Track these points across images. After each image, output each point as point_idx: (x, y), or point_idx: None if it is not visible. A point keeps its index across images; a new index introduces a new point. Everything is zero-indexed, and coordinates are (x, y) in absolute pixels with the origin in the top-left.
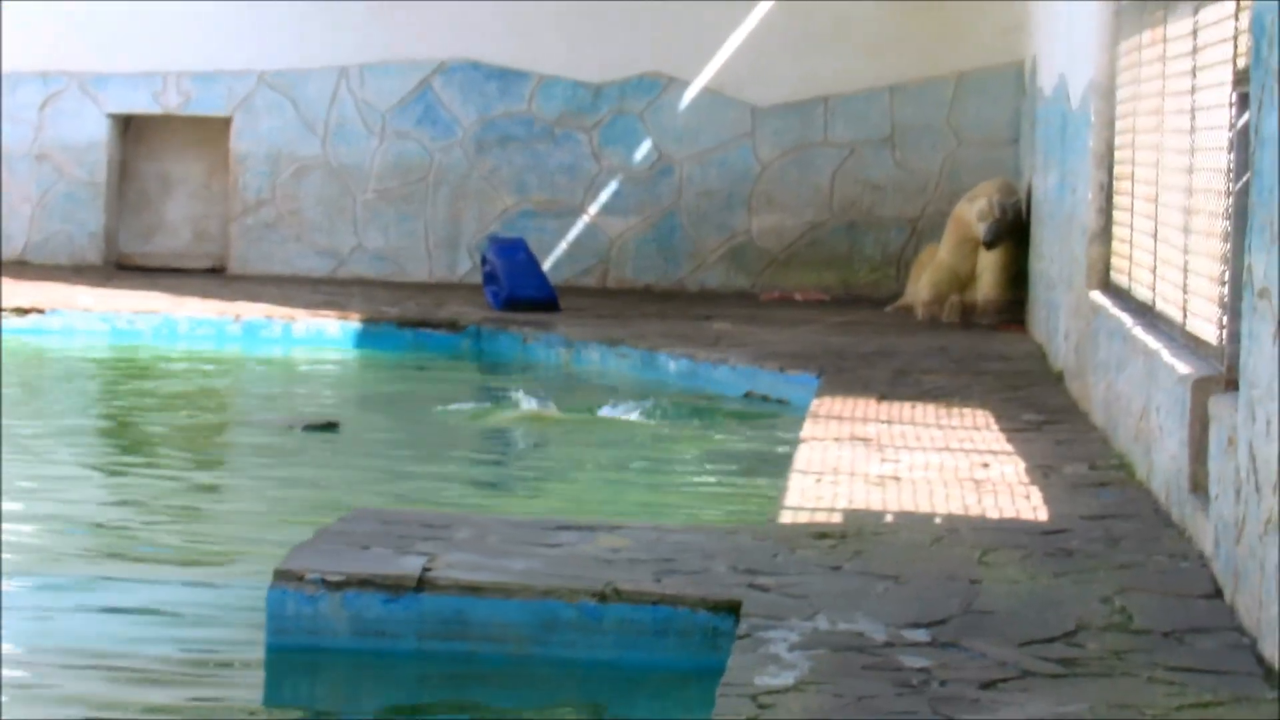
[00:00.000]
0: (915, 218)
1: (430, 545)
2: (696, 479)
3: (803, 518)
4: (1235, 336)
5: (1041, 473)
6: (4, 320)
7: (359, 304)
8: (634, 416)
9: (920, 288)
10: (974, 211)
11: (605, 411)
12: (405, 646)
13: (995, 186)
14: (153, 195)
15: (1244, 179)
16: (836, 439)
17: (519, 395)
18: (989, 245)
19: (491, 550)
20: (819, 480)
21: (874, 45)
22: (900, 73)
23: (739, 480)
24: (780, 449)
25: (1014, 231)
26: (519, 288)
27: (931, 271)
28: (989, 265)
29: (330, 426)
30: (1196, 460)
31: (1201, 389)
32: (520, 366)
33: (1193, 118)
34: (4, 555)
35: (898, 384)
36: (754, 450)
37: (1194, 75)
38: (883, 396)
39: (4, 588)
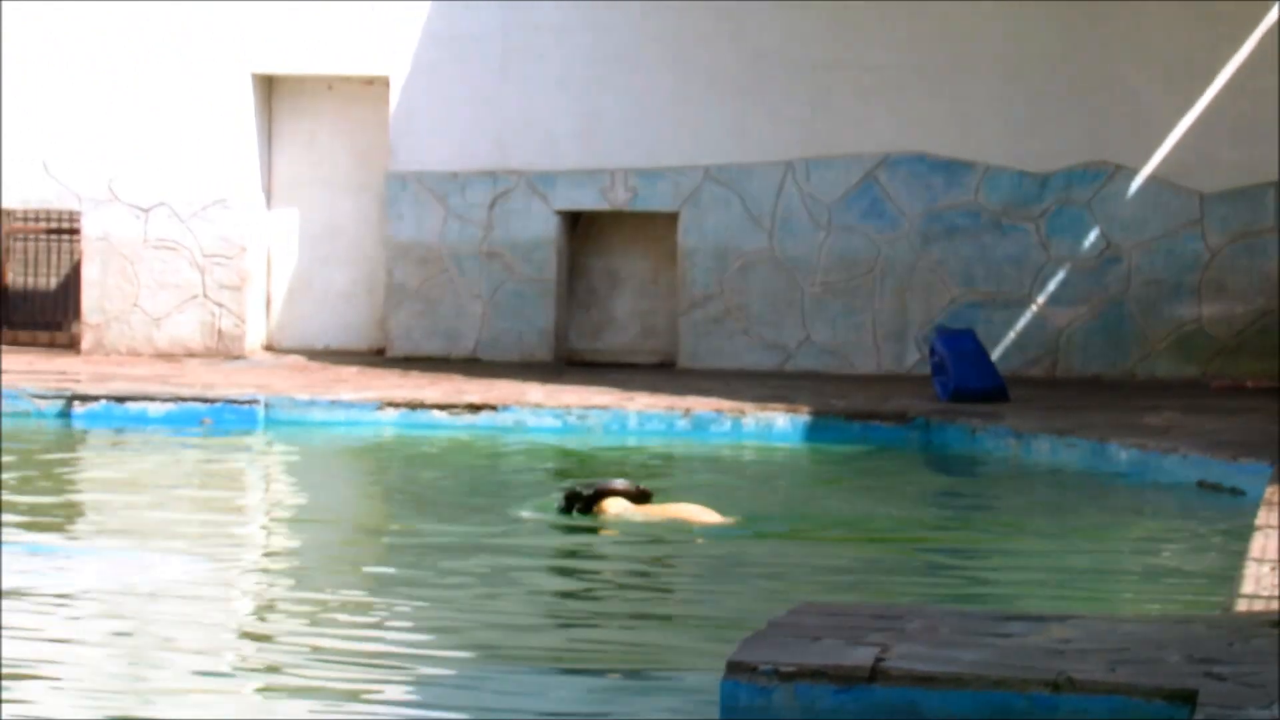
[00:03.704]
0: None
1: (881, 636)
2: (1147, 569)
3: (1258, 606)
4: None
5: None
6: (458, 417)
7: (806, 397)
8: (1078, 508)
9: None
10: None
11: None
12: None
13: None
14: (600, 291)
15: None
16: None
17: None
18: None
19: (942, 641)
20: (1274, 568)
21: None
22: None
23: (1191, 569)
24: (1234, 538)
25: None
26: (967, 378)
27: None
28: None
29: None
30: None
31: None
32: (968, 458)
33: None
34: (462, 645)
35: None
36: (1206, 539)
37: None
38: None
39: (456, 671)
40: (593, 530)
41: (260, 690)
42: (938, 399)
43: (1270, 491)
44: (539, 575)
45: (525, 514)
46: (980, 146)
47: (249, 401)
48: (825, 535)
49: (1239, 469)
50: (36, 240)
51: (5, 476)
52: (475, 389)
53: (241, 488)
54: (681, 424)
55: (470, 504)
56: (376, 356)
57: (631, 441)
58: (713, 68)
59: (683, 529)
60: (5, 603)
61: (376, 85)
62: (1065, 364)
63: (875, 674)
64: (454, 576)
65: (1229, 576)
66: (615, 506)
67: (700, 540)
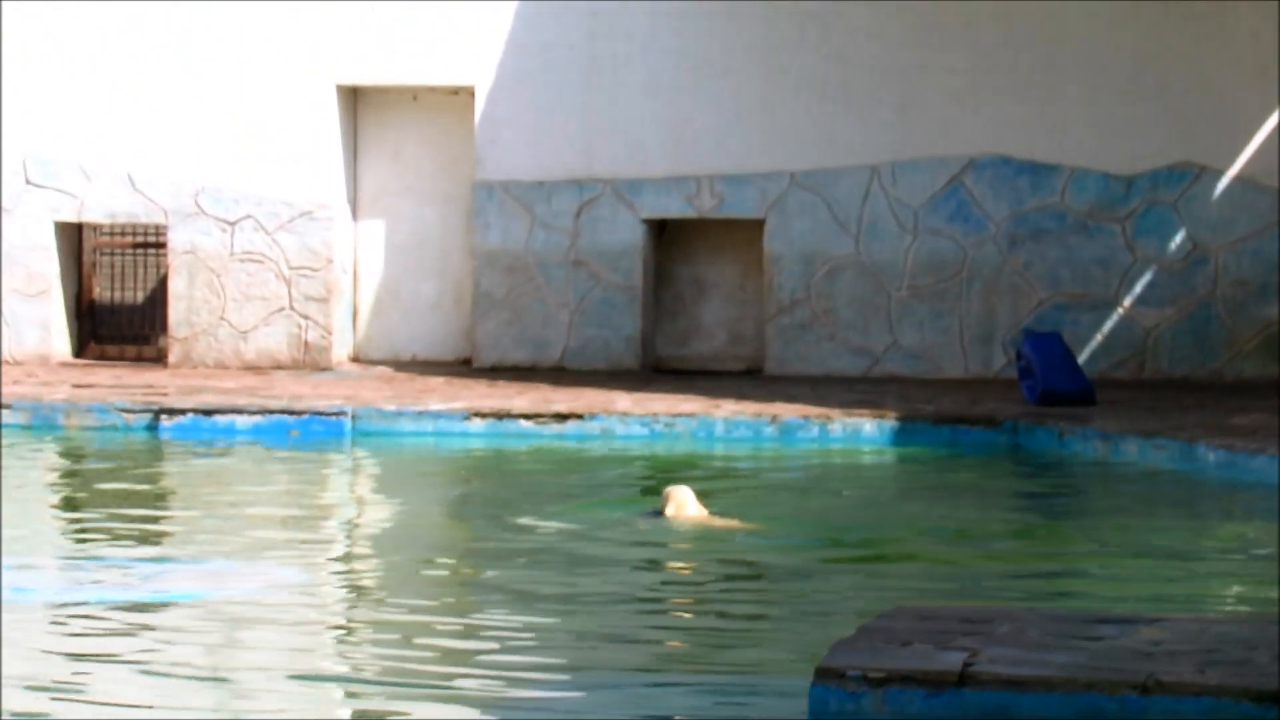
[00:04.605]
0: None
1: (971, 640)
2: (1237, 570)
3: None
4: None
5: None
6: (546, 426)
7: (894, 402)
8: (1167, 509)
9: None
10: None
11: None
12: None
13: None
14: (687, 298)
15: None
16: None
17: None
18: None
19: (1032, 644)
20: None
21: None
22: None
23: None
24: None
25: None
26: (1055, 381)
27: None
28: None
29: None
30: None
31: None
32: (1056, 461)
33: None
34: (549, 651)
35: None
36: None
37: None
38: None
39: (544, 677)
40: (674, 538)
41: (357, 696)
42: (1025, 402)
43: None
44: (625, 583)
45: (611, 521)
46: (1066, 149)
47: (336, 413)
48: (914, 540)
49: None
50: (123, 254)
51: (97, 490)
52: (563, 398)
53: (330, 499)
54: (769, 430)
55: (557, 512)
56: (463, 366)
57: (719, 449)
58: (799, 73)
59: (762, 535)
60: (99, 614)
61: (461, 95)
62: (1153, 365)
63: (965, 678)
64: (540, 584)
65: None
66: (680, 495)
67: (784, 547)
